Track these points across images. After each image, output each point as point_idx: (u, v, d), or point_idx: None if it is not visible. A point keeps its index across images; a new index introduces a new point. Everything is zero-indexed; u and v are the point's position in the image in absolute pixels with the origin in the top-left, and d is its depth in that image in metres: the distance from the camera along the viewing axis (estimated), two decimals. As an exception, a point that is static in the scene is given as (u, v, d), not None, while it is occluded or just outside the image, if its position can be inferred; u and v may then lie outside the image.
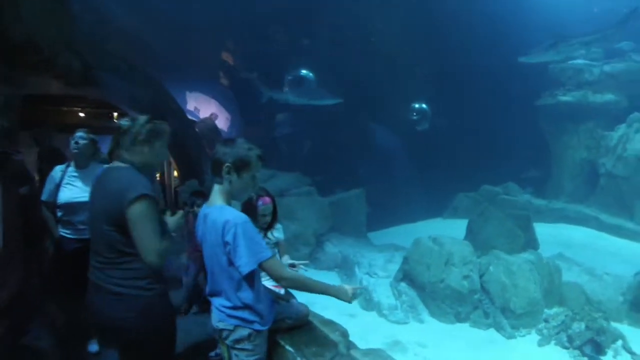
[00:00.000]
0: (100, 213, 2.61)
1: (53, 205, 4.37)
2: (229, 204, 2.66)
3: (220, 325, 2.70)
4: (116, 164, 2.71)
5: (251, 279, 2.59)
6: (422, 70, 19.34)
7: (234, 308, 2.63)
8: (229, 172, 2.59)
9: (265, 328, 2.72)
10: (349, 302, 2.72)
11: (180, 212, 2.99)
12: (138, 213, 2.48)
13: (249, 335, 2.64)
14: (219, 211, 2.59)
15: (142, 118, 2.78)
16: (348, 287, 2.75)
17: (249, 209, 3.46)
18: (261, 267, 2.53)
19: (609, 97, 18.31)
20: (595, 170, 18.29)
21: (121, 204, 2.48)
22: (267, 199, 3.56)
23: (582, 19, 18.50)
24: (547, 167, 20.24)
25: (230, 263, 2.52)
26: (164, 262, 2.57)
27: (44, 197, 4.42)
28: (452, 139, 19.86)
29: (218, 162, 2.61)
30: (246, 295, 2.60)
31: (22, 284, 4.72)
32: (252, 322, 2.64)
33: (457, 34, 18.55)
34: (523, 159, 20.37)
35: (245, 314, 2.63)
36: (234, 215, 2.52)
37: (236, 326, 2.64)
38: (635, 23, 17.25)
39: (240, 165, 2.60)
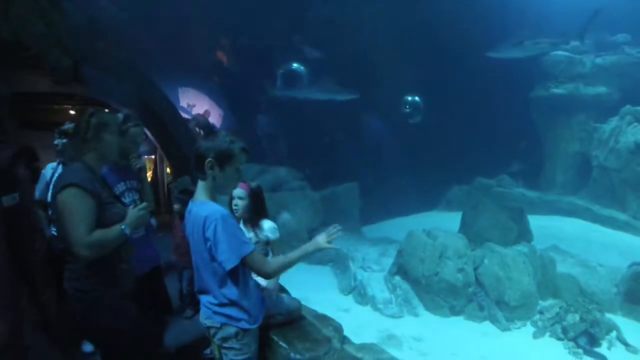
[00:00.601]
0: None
1: (44, 204, 4.32)
2: (214, 199, 2.62)
3: (207, 323, 2.67)
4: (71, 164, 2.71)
5: (235, 275, 2.55)
6: (414, 63, 19.27)
7: (220, 305, 2.59)
8: (212, 167, 2.54)
9: (252, 327, 2.67)
10: (331, 247, 2.66)
11: (142, 205, 2.84)
12: (62, 203, 2.45)
13: (236, 333, 2.60)
14: (201, 207, 2.55)
15: (85, 115, 2.74)
16: (321, 237, 2.68)
17: (253, 198, 3.49)
18: (243, 262, 2.48)
19: (601, 89, 18.35)
20: (588, 162, 18.33)
21: (53, 200, 2.50)
22: (243, 185, 3.51)
23: (576, 10, 18.49)
24: (537, 160, 20.25)
25: (213, 259, 2.48)
26: (95, 255, 2.48)
27: (37, 194, 4.37)
28: (445, 131, 19.82)
29: (200, 158, 2.56)
30: (231, 291, 2.56)
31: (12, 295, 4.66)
32: (238, 319, 2.60)
33: (448, 26, 18.50)
34: (516, 151, 20.41)
35: (231, 311, 2.58)
36: (214, 210, 2.48)
37: (223, 324, 2.61)
38: (625, 16, 17.45)
39: (223, 159, 2.55)
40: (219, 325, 2.61)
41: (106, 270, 2.59)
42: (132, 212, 2.75)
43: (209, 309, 2.64)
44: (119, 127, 2.86)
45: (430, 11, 18.82)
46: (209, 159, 2.52)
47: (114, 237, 2.58)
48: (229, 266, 2.43)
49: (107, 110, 2.88)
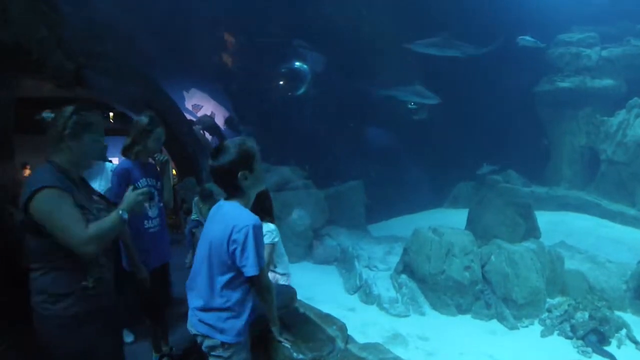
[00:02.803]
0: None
1: None
2: (248, 207, 2.57)
3: (193, 331, 2.61)
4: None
5: (247, 283, 2.52)
6: (418, 58, 19.23)
7: (209, 311, 2.52)
8: (246, 178, 2.48)
9: (235, 341, 2.55)
10: (275, 332, 2.89)
11: (142, 190, 2.67)
12: (39, 211, 2.24)
13: (222, 344, 2.53)
14: (234, 208, 2.50)
15: (68, 109, 2.50)
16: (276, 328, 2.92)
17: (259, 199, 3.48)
18: (255, 277, 2.45)
19: (607, 82, 18.19)
20: (595, 156, 18.20)
21: (23, 207, 2.27)
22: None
23: (579, 6, 18.38)
24: (544, 155, 20.14)
25: (230, 260, 2.43)
26: (100, 248, 2.35)
27: None
28: (450, 127, 19.77)
29: (230, 174, 2.47)
30: (231, 303, 2.50)
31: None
32: (222, 331, 2.51)
33: (452, 21, 18.44)
34: (522, 146, 20.29)
35: (217, 321, 2.50)
36: (249, 216, 2.43)
37: (207, 333, 2.53)
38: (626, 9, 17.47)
39: (249, 162, 2.50)
40: (204, 334, 2.55)
41: (74, 283, 2.39)
42: (130, 195, 2.57)
43: (195, 315, 2.58)
44: (102, 131, 2.62)
45: (434, 5, 18.76)
46: (240, 172, 2.46)
47: (112, 224, 2.41)
48: (250, 272, 2.39)
49: (93, 110, 2.58)
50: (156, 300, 4.01)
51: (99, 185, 4.40)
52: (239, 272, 2.44)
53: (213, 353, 2.56)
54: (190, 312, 2.64)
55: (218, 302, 2.50)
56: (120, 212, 2.45)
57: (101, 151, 2.55)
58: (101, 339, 2.52)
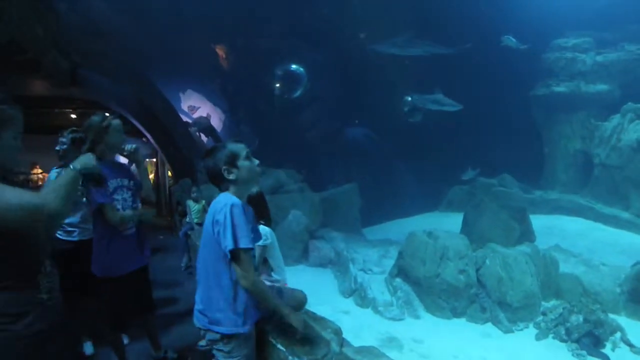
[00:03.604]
0: None
1: None
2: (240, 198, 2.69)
3: (197, 324, 2.68)
4: None
5: (232, 271, 2.55)
6: (412, 62, 19.29)
7: (210, 304, 2.60)
8: (229, 172, 2.64)
9: (237, 331, 2.62)
10: (297, 327, 2.82)
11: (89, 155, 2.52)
12: None
13: (222, 337, 2.58)
14: (220, 196, 2.66)
15: None
16: (300, 317, 2.87)
17: (254, 202, 3.49)
18: (232, 256, 2.48)
19: (602, 87, 18.31)
20: (590, 160, 18.29)
21: None
22: None
23: (574, 12, 18.46)
24: (538, 159, 20.21)
25: (217, 251, 2.52)
26: (66, 204, 2.10)
27: None
28: (445, 131, 19.81)
29: (215, 172, 2.67)
30: (224, 291, 2.57)
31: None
32: (223, 323, 2.58)
33: (447, 25, 18.51)
34: (517, 150, 20.35)
35: (217, 314, 2.57)
36: (230, 198, 2.58)
37: (209, 326, 2.60)
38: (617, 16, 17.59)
39: (232, 159, 2.65)
40: (204, 327, 2.62)
41: (30, 299, 2.22)
42: (83, 157, 2.43)
43: (198, 309, 2.67)
44: (21, 128, 2.29)
45: (429, 10, 18.81)
46: (223, 168, 2.63)
47: (66, 178, 2.20)
48: (228, 247, 2.45)
49: (13, 104, 2.24)
50: (137, 304, 3.93)
51: None
52: (226, 256, 2.50)
53: (215, 347, 2.63)
54: (195, 305, 2.73)
55: (213, 292, 2.59)
56: (71, 166, 2.30)
57: (18, 149, 2.26)
58: (65, 352, 2.47)
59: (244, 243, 2.47)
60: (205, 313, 2.60)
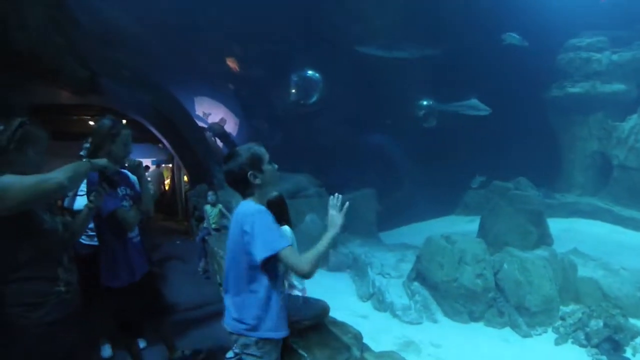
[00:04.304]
0: None
1: (71, 211, 4.37)
2: (262, 204, 2.68)
3: (229, 328, 2.67)
4: None
5: (266, 274, 2.56)
6: (425, 66, 19.26)
7: (244, 310, 2.60)
8: (255, 177, 2.62)
9: (273, 336, 2.64)
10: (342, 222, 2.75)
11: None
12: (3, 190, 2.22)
13: (256, 341, 2.59)
14: (243, 205, 2.64)
15: (15, 122, 2.46)
16: (334, 215, 2.77)
17: (275, 206, 3.50)
18: (278, 257, 2.46)
19: (618, 86, 18.02)
20: (607, 161, 18.05)
21: None
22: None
23: (590, 11, 18.30)
24: (555, 161, 20.01)
25: (248, 254, 2.50)
26: (72, 180, 2.46)
27: (65, 203, 4.45)
28: (460, 134, 19.71)
29: (241, 176, 2.63)
30: (258, 298, 2.57)
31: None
32: (258, 328, 2.58)
33: (461, 29, 18.44)
34: (533, 152, 20.18)
35: (253, 319, 2.58)
36: (253, 205, 2.57)
37: (244, 331, 2.61)
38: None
39: (257, 163, 2.64)
40: (239, 332, 2.61)
41: (48, 290, 2.44)
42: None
43: (229, 315, 2.66)
44: (44, 146, 2.59)
45: (442, 13, 18.78)
46: (249, 173, 2.60)
47: (78, 164, 2.59)
48: (260, 256, 2.43)
49: (37, 124, 2.57)
50: (147, 308, 3.97)
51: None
52: (258, 266, 2.50)
53: (246, 351, 2.62)
54: (225, 312, 2.71)
55: (247, 300, 2.58)
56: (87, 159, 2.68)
57: (40, 165, 2.55)
58: (78, 344, 2.59)
59: (281, 244, 2.46)
60: (241, 320, 2.59)
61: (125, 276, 3.62)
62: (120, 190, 3.61)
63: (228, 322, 2.66)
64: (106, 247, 3.62)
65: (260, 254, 2.43)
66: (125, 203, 3.60)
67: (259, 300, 2.56)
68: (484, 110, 18.43)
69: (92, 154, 3.47)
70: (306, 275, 2.52)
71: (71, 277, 2.60)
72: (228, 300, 2.70)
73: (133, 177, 3.92)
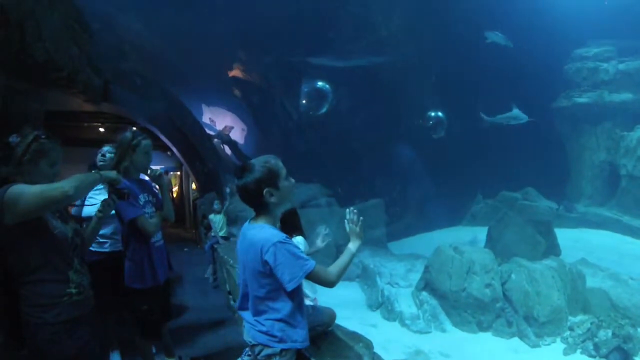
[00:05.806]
0: None
1: (79, 219, 4.44)
2: (274, 224, 2.63)
3: (252, 342, 2.68)
4: None
5: (291, 295, 2.56)
6: (433, 76, 19.34)
7: (268, 324, 2.60)
8: (271, 194, 2.52)
9: (299, 347, 2.67)
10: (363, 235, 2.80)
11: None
12: (8, 200, 2.31)
13: (280, 351, 2.62)
14: (258, 231, 2.55)
15: (30, 135, 2.56)
16: (353, 231, 2.82)
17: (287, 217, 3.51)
18: (309, 277, 2.49)
19: (626, 96, 18.04)
20: (616, 171, 18.01)
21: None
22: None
23: (594, 20, 18.28)
24: (563, 171, 19.96)
25: (271, 277, 2.49)
26: (80, 188, 2.55)
27: (73, 211, 4.51)
28: (468, 145, 19.73)
29: (257, 194, 2.52)
30: (284, 314, 2.58)
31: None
32: (285, 340, 2.60)
33: (469, 40, 18.49)
34: (541, 163, 20.15)
35: (278, 331, 2.60)
36: (270, 235, 2.48)
37: (267, 343, 2.63)
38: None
39: (273, 180, 2.53)
40: (264, 344, 2.62)
41: (61, 292, 2.54)
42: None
43: (253, 328, 2.65)
44: (57, 158, 2.69)
45: (450, 25, 18.85)
46: (265, 190, 2.50)
47: (87, 175, 2.71)
48: (291, 287, 2.43)
49: (50, 137, 2.66)
50: (164, 314, 4.06)
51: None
52: (281, 286, 2.49)
53: None
54: (247, 325, 2.72)
55: (271, 315, 2.58)
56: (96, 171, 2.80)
57: (52, 176, 2.65)
58: (90, 343, 2.67)
59: (309, 267, 2.46)
60: (268, 332, 2.58)
61: (149, 279, 3.71)
62: (143, 197, 3.72)
63: (253, 334, 2.66)
64: (133, 254, 3.71)
65: (289, 286, 2.43)
66: (147, 210, 3.70)
67: (285, 316, 2.56)
68: (523, 118, 18.41)
69: (116, 165, 3.67)
70: (330, 286, 2.57)
71: (82, 280, 2.70)
72: (248, 317, 2.69)
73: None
